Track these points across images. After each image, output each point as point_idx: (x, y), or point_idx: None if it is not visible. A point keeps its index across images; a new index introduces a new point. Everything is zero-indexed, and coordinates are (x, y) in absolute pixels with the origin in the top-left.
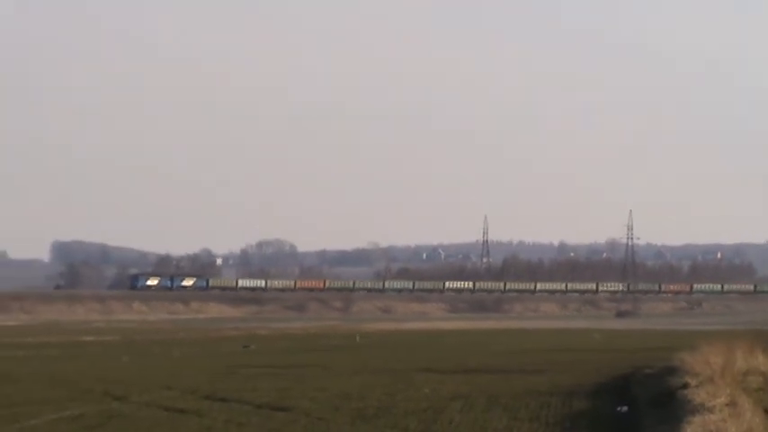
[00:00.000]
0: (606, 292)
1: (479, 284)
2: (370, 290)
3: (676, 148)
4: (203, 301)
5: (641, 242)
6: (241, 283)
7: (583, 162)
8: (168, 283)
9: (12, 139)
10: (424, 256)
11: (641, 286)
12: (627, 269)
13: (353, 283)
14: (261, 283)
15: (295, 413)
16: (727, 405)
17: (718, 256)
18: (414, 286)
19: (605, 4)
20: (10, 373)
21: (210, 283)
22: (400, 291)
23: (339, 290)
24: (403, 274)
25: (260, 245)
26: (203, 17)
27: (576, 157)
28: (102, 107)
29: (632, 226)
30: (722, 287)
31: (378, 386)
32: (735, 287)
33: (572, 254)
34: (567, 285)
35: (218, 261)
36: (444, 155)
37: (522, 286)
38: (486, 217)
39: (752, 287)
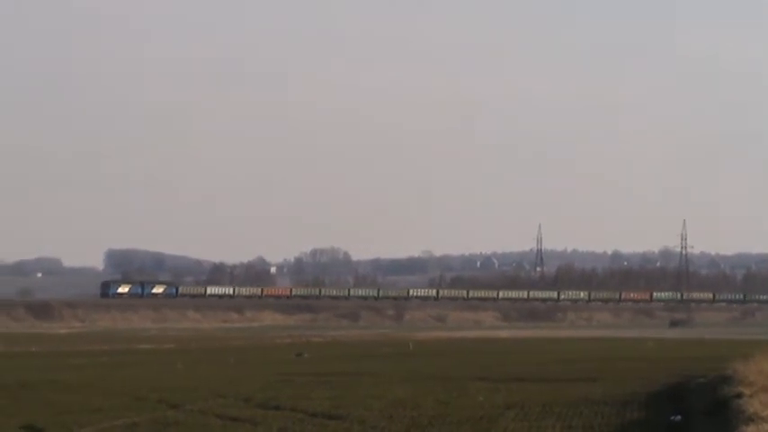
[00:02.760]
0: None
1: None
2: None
3: (729, 156)
4: (257, 310)
5: (695, 251)
6: (210, 290)
7: (637, 171)
8: (139, 291)
9: (66, 147)
10: (478, 264)
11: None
12: (681, 278)
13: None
14: (229, 290)
15: (349, 421)
16: None
17: None
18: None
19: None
20: (64, 380)
21: (180, 291)
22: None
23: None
24: (457, 282)
25: (314, 253)
26: (285, 40)
27: (631, 165)
28: (159, 120)
29: (686, 235)
30: None
31: (431, 394)
32: None
33: (625, 263)
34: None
35: (273, 269)
36: (498, 164)
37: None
38: (540, 226)
39: None
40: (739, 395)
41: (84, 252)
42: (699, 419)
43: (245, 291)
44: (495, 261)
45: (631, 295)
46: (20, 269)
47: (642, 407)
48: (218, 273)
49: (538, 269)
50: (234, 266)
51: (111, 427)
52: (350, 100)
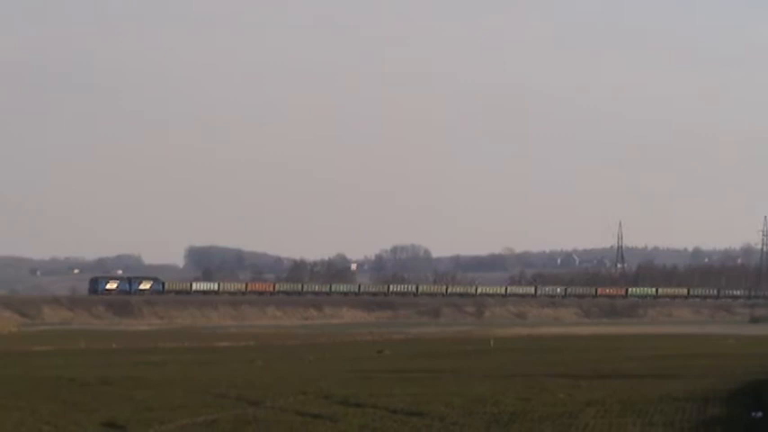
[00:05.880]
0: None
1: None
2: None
3: None
4: (337, 307)
5: None
6: (195, 286)
7: (718, 167)
8: (126, 287)
9: (147, 147)
10: (559, 261)
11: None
12: (762, 275)
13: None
14: (214, 286)
15: (429, 418)
16: None
17: None
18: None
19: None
20: (144, 377)
21: (166, 287)
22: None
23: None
24: (537, 279)
25: (394, 250)
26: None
27: (711, 162)
28: (241, 116)
29: (767, 231)
30: None
31: (512, 391)
32: None
33: (706, 259)
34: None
35: (353, 266)
36: (580, 160)
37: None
38: (620, 223)
39: None
40: None
41: (165, 249)
42: None
43: (229, 286)
44: (576, 258)
45: (606, 291)
46: (100, 266)
47: (723, 403)
48: (297, 270)
49: (618, 266)
50: (314, 263)
51: (191, 423)
52: (428, 97)
